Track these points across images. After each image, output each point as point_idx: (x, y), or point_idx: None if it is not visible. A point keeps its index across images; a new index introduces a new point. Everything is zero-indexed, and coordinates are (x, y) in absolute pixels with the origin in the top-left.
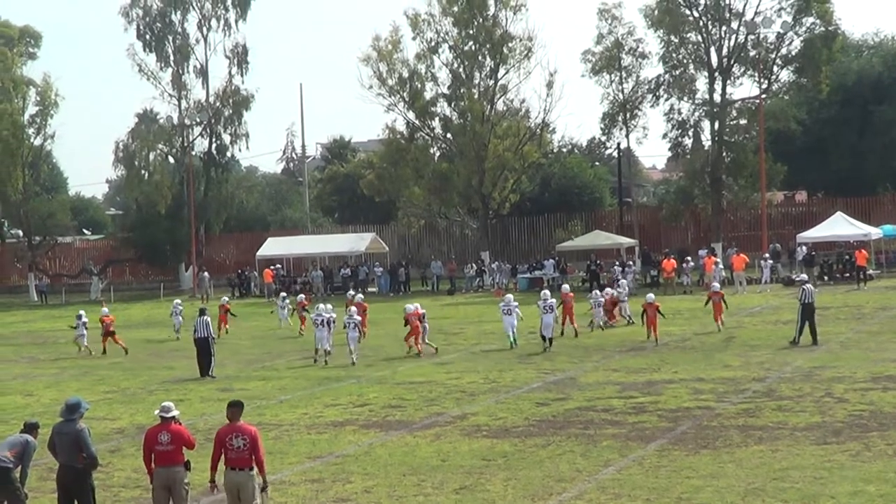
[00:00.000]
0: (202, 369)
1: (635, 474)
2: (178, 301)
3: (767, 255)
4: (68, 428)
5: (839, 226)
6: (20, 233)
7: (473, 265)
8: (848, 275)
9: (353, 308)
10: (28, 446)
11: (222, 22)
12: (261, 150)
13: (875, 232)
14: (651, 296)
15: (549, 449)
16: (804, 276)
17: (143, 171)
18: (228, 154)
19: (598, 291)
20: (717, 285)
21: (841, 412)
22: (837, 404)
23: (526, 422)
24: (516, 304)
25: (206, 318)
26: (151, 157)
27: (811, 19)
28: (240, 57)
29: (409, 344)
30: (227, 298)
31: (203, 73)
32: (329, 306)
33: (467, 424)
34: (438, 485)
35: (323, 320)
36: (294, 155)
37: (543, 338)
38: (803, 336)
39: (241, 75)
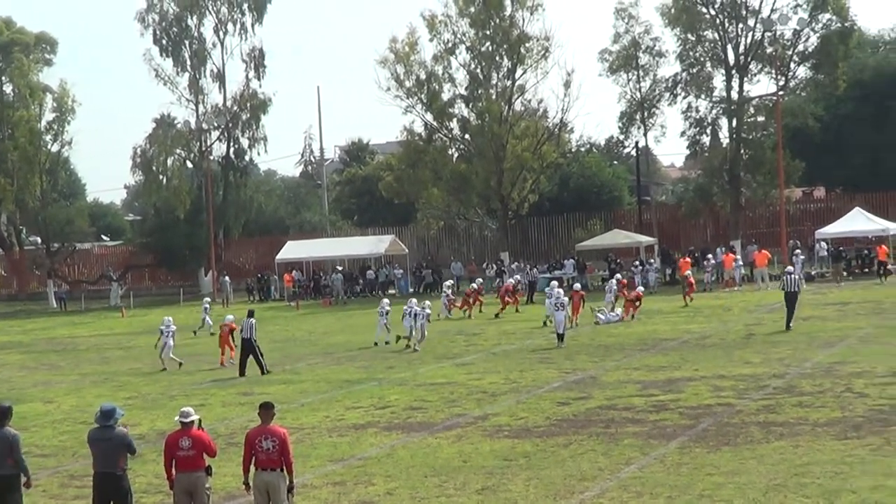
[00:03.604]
0: (242, 368)
1: (657, 472)
2: (208, 300)
3: (798, 251)
4: (107, 434)
5: (858, 221)
6: (38, 240)
7: (493, 266)
8: (867, 270)
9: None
10: (15, 442)
11: (238, 26)
12: (279, 153)
13: (894, 227)
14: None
15: (571, 448)
16: (790, 268)
17: (161, 177)
18: (246, 158)
19: (613, 280)
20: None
21: (861, 407)
22: (857, 399)
23: (547, 421)
24: (565, 298)
25: (252, 320)
26: (169, 162)
27: (827, 15)
28: (256, 61)
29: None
30: (231, 317)
31: (220, 77)
32: (427, 302)
33: (489, 425)
34: (461, 486)
35: (412, 312)
36: (312, 158)
37: (559, 336)
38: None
39: (258, 79)
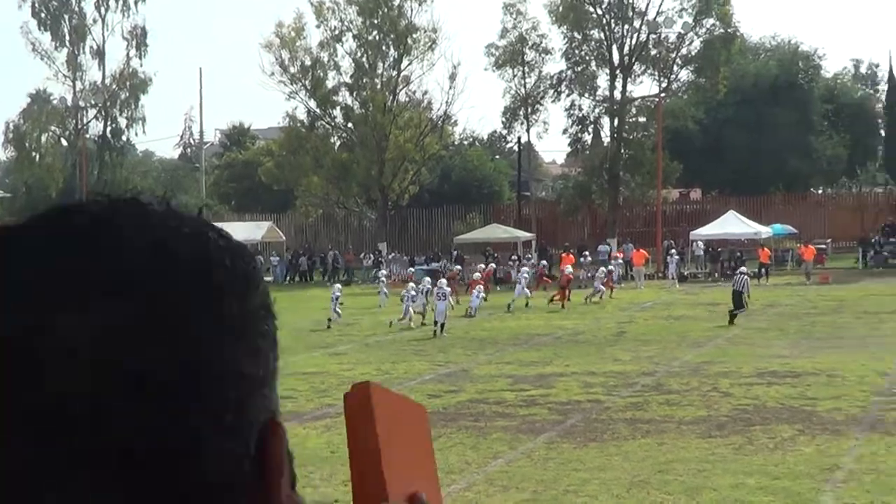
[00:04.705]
0: None
1: (524, 466)
2: None
3: (673, 250)
4: None
5: (731, 224)
6: None
7: (371, 256)
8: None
9: (444, 280)
10: None
11: (121, 2)
12: (158, 134)
13: (765, 231)
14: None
15: (440, 441)
16: (743, 269)
17: (34, 154)
18: (124, 138)
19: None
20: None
21: (726, 406)
22: (723, 398)
23: None
24: (449, 288)
25: None
26: (43, 139)
27: (711, 21)
28: (138, 39)
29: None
30: None
31: (100, 54)
32: (443, 281)
33: None
34: (327, 476)
35: (443, 293)
36: (192, 140)
37: (436, 323)
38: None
39: (140, 58)
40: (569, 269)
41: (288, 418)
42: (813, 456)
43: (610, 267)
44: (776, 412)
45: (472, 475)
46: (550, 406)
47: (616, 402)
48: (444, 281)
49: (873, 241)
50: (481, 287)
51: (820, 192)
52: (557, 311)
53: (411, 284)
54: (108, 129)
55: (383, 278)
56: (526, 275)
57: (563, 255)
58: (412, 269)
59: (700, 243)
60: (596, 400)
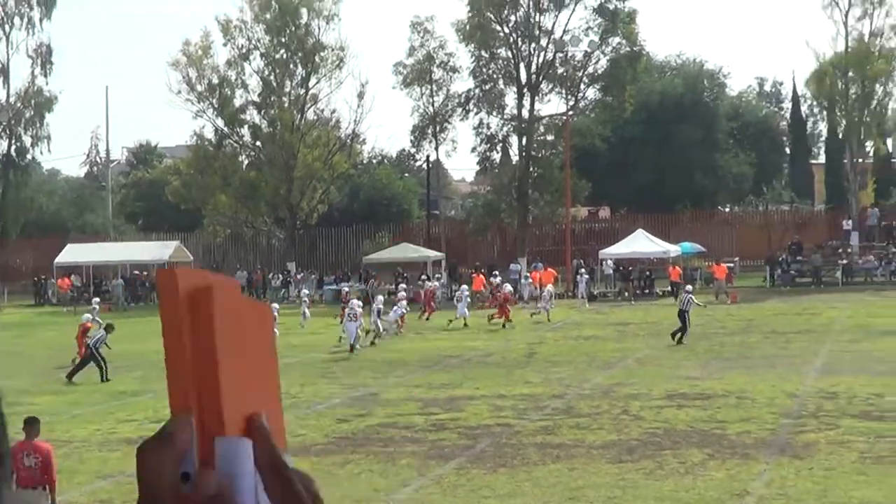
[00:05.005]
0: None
1: (433, 493)
2: None
3: (583, 269)
4: None
5: (640, 243)
6: None
7: (280, 275)
8: (647, 291)
9: (356, 301)
10: None
11: (25, 20)
12: (63, 152)
13: (674, 249)
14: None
15: (348, 468)
16: (689, 287)
17: None
18: (29, 156)
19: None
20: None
21: (636, 430)
22: (633, 422)
23: (326, 439)
24: (360, 310)
25: (105, 333)
26: None
27: (617, 39)
28: (44, 57)
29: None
30: (89, 316)
31: (3, 72)
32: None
33: None
34: None
35: (354, 314)
36: (98, 159)
37: (351, 347)
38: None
39: (45, 76)
40: (507, 287)
41: None
42: (723, 481)
43: (547, 291)
44: (686, 435)
45: (381, 503)
46: (460, 430)
47: (526, 425)
48: (356, 302)
49: (780, 259)
50: (404, 303)
51: (727, 210)
52: (468, 330)
53: (355, 302)
54: (13, 147)
55: (306, 298)
56: (467, 294)
57: (474, 275)
58: (346, 287)
59: (610, 262)
60: (506, 424)
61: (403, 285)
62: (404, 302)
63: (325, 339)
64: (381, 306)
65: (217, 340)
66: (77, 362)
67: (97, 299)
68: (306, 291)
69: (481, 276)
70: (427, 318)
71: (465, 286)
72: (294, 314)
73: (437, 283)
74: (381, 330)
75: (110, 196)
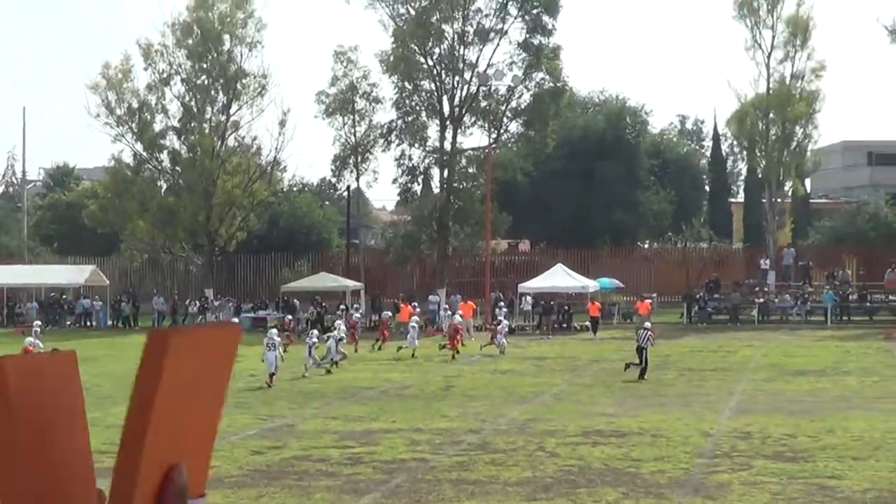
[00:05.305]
0: None
1: None
2: None
3: (502, 303)
4: None
5: (559, 277)
6: None
7: (197, 301)
8: (565, 325)
9: (274, 330)
10: None
11: None
12: None
13: (593, 284)
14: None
15: (262, 501)
16: (648, 324)
17: None
18: None
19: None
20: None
21: (552, 467)
22: (549, 458)
23: (240, 471)
24: (278, 339)
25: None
26: None
27: (541, 74)
28: None
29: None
30: (31, 339)
31: None
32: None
33: None
34: None
35: (273, 343)
36: (14, 179)
37: (270, 376)
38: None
39: None
40: (457, 318)
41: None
42: None
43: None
44: (601, 474)
45: None
46: (375, 464)
47: (442, 461)
48: (274, 331)
49: (698, 296)
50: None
51: (646, 246)
52: (385, 361)
53: (274, 331)
54: None
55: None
56: (416, 325)
57: (403, 304)
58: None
59: (529, 297)
60: (422, 458)
61: (357, 314)
62: (343, 326)
63: (240, 367)
64: (342, 335)
65: (160, 391)
66: None
67: (38, 321)
68: (235, 320)
69: (408, 306)
70: (380, 348)
71: (415, 317)
72: None
73: (358, 315)
74: (340, 358)
75: (26, 218)
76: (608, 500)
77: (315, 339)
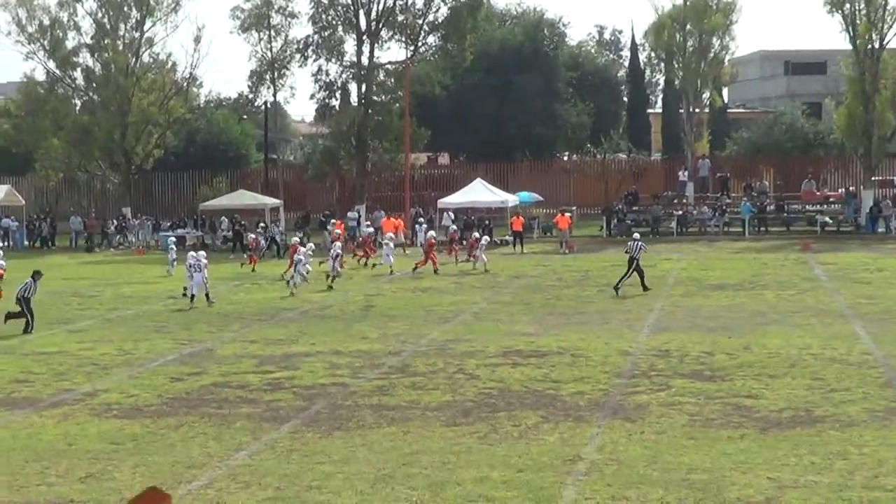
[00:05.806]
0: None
1: (267, 459)
2: None
3: (421, 218)
4: None
5: (479, 192)
6: None
7: (115, 221)
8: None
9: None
10: None
11: None
12: None
13: (512, 198)
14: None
15: (182, 431)
16: (636, 235)
17: None
18: None
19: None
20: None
21: (472, 390)
22: (468, 381)
23: (159, 399)
24: (205, 260)
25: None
26: None
27: None
28: None
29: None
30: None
31: None
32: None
33: (97, 403)
34: (63, 472)
35: (199, 265)
36: None
37: (192, 297)
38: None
39: None
40: (431, 233)
41: (23, 405)
42: (556, 446)
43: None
44: (521, 396)
45: (214, 470)
46: (295, 390)
47: (362, 385)
48: (202, 253)
49: (617, 209)
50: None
51: (566, 159)
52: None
53: (202, 253)
54: None
55: (173, 245)
56: (391, 242)
57: (385, 218)
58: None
59: (450, 213)
60: (342, 383)
61: (370, 229)
62: (338, 244)
63: (158, 288)
64: (339, 251)
65: None
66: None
67: None
68: (173, 238)
69: (391, 220)
70: (366, 264)
71: (390, 234)
72: (126, 261)
73: (370, 229)
74: (338, 272)
75: None
76: (527, 425)
77: (339, 251)
